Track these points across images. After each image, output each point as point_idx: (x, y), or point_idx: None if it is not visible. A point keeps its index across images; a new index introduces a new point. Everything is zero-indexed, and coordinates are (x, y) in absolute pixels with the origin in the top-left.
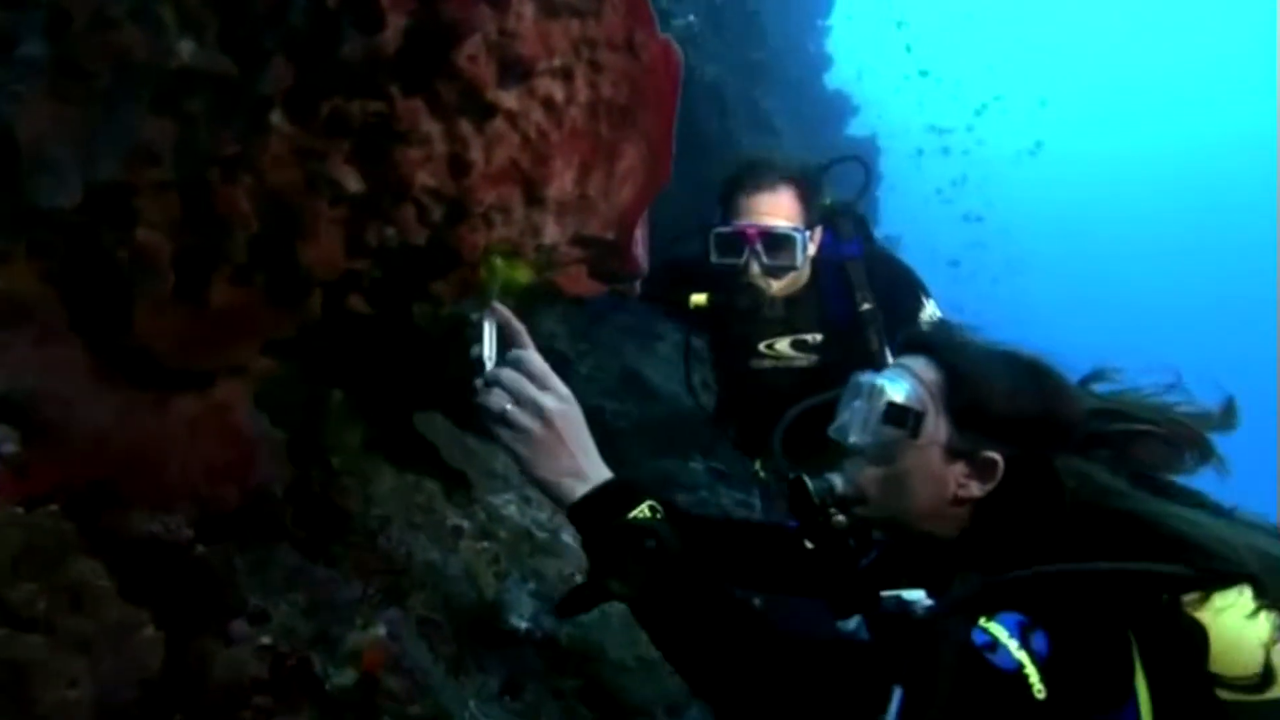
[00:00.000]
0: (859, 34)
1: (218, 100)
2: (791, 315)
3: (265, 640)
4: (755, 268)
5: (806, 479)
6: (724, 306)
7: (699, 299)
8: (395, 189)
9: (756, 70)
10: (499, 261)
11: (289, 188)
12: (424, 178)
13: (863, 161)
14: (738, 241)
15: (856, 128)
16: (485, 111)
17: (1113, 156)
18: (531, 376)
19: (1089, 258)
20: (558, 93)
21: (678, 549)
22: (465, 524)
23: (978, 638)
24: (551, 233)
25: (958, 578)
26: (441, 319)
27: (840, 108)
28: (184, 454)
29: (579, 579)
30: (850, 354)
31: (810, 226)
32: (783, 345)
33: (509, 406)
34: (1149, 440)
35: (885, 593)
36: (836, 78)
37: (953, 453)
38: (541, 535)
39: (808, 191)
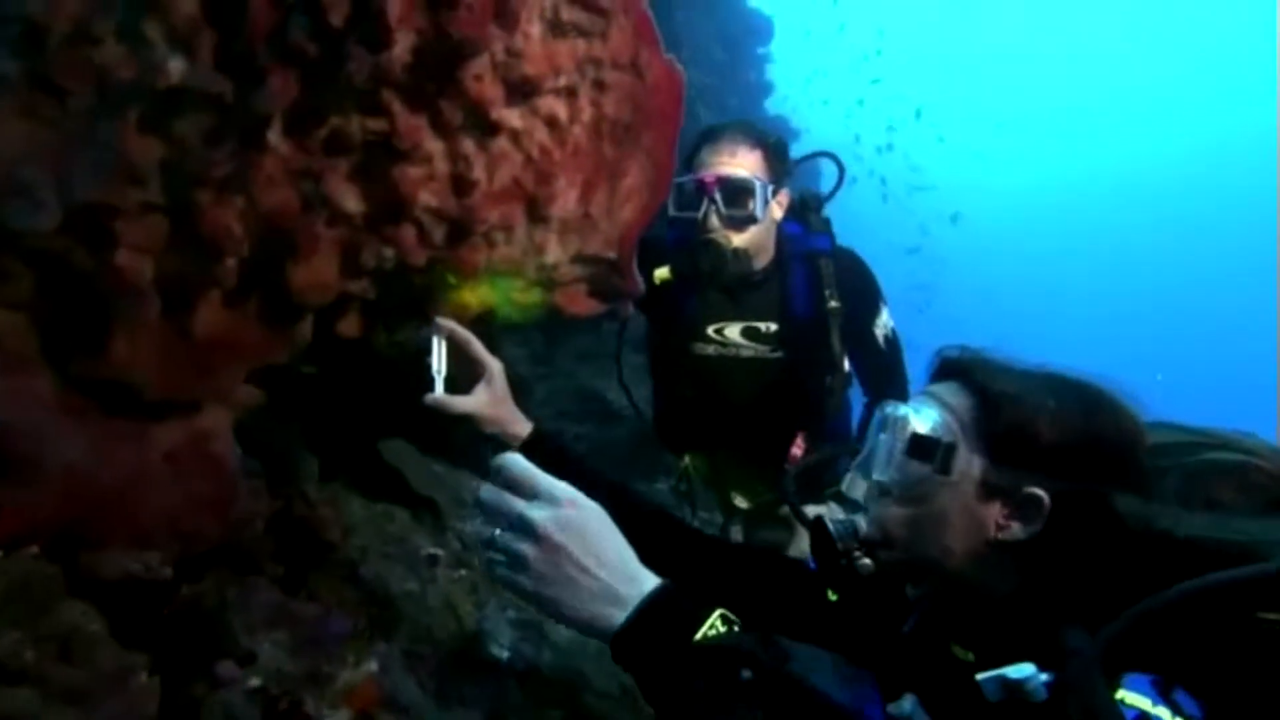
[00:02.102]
0: (804, 58)
1: (209, 119)
2: (749, 300)
3: (255, 682)
4: (714, 219)
5: (827, 521)
6: (687, 274)
7: (662, 272)
8: (395, 208)
9: (702, 95)
10: (448, 277)
11: (283, 208)
12: (425, 197)
13: (836, 160)
14: (696, 192)
15: (795, 151)
16: (489, 130)
17: (1064, 179)
18: (514, 485)
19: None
20: (561, 111)
21: (783, 672)
22: (439, 553)
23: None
24: (554, 252)
25: (1065, 635)
26: (397, 342)
27: (780, 133)
28: (163, 488)
29: None
30: (807, 351)
31: (774, 185)
32: (733, 331)
33: (498, 532)
34: (1246, 473)
35: (982, 675)
36: (776, 104)
37: (990, 490)
38: None
39: (771, 153)
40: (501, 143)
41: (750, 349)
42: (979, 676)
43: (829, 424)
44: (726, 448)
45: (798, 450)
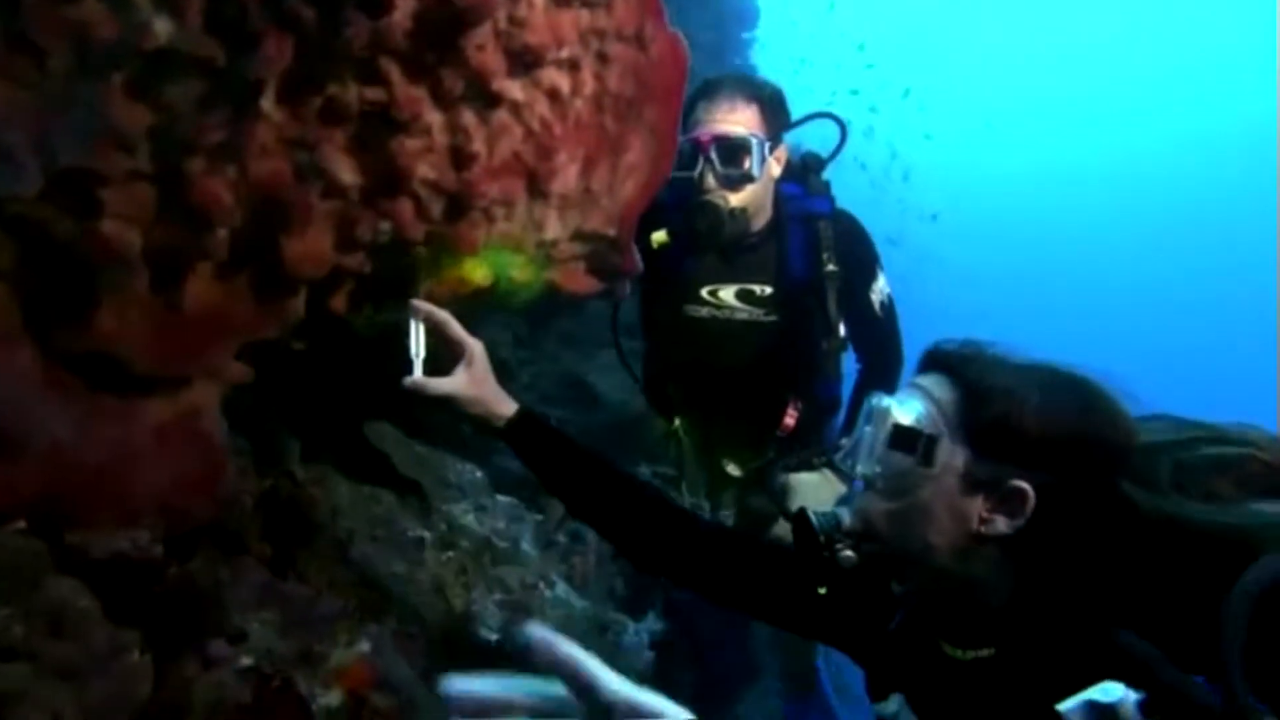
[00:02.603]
0: (789, 47)
1: (199, 84)
2: (744, 262)
3: (247, 661)
4: (711, 179)
5: (810, 512)
6: (685, 235)
7: (659, 235)
8: (392, 181)
9: (692, 78)
10: (444, 254)
11: (276, 178)
12: (424, 170)
13: (838, 120)
14: (692, 151)
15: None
16: (490, 102)
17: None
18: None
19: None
20: (563, 84)
21: None
22: (426, 535)
23: None
24: (553, 228)
25: (1122, 641)
26: (377, 322)
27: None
28: (151, 465)
29: (542, 587)
30: (802, 315)
31: (772, 141)
32: (727, 293)
33: None
34: (1243, 465)
35: (1066, 705)
36: None
37: (973, 482)
38: (502, 544)
39: (769, 107)
40: (502, 115)
41: (744, 312)
42: (1060, 707)
43: (822, 389)
44: (718, 412)
45: (790, 419)
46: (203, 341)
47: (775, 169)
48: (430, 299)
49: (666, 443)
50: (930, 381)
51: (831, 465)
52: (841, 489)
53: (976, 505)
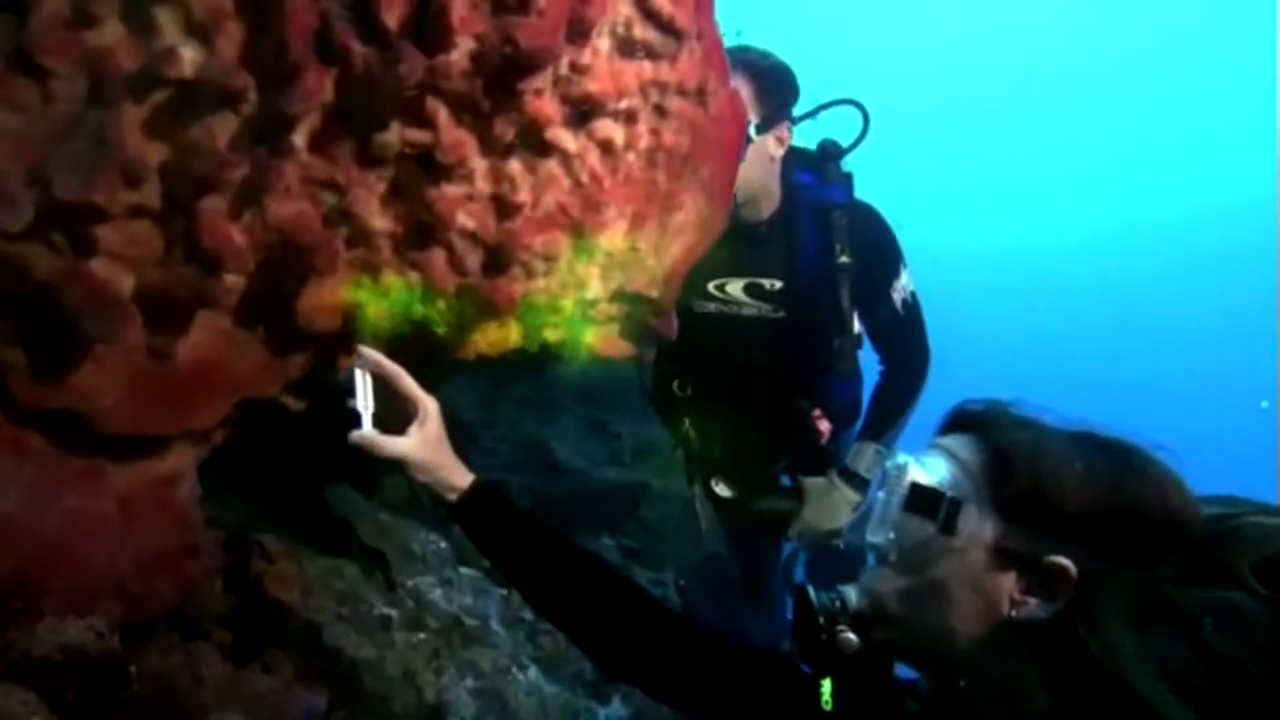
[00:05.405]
0: None
1: (225, 118)
2: (754, 254)
3: None
4: None
5: (811, 591)
6: None
7: None
8: (426, 229)
9: None
10: (366, 295)
11: (300, 222)
12: (463, 219)
13: (860, 107)
14: None
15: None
16: (540, 150)
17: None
18: None
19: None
20: (618, 136)
21: None
22: (393, 613)
23: None
24: (595, 287)
25: None
26: (326, 378)
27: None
28: (113, 541)
29: (514, 671)
30: (814, 310)
31: (769, 123)
32: (735, 288)
33: None
34: (1239, 530)
35: None
36: None
37: (1004, 557)
38: (471, 623)
39: (765, 82)
40: (551, 165)
41: (753, 308)
42: None
43: (838, 392)
44: (728, 413)
45: (825, 428)
46: (193, 399)
47: (774, 148)
48: (456, 357)
49: (674, 447)
50: (954, 442)
51: (843, 472)
52: (853, 496)
53: (1008, 584)
